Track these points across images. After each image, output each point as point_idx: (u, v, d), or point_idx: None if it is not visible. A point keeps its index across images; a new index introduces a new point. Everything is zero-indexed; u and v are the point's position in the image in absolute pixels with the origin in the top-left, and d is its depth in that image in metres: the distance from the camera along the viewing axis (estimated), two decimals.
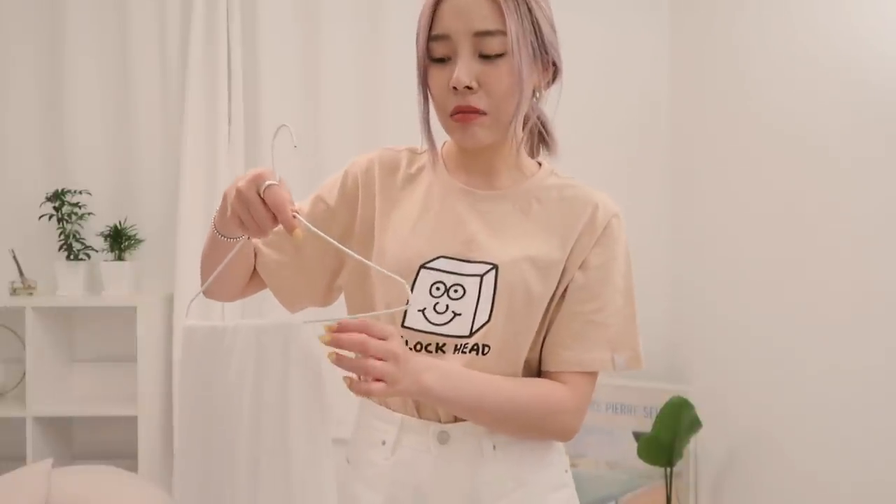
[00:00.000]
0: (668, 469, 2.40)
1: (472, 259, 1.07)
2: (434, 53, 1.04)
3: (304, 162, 2.66)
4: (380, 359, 0.92)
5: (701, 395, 2.47)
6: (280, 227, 0.90)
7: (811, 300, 1.99)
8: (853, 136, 1.83)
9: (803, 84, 2.03)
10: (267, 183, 0.88)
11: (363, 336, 0.90)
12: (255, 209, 0.89)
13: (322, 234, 0.92)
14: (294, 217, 0.88)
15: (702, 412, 2.34)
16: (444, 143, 1.16)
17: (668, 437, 2.33)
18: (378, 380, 0.92)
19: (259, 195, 0.89)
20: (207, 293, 1.13)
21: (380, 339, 0.92)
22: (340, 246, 0.94)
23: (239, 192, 0.90)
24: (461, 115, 1.03)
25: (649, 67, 2.81)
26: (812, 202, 1.99)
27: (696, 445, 2.53)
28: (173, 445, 2.63)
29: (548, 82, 1.10)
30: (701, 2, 2.64)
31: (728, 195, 2.42)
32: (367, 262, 0.97)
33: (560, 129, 1.17)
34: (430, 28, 1.03)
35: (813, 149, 1.98)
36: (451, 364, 1.02)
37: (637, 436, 2.44)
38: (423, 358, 1.00)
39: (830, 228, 1.91)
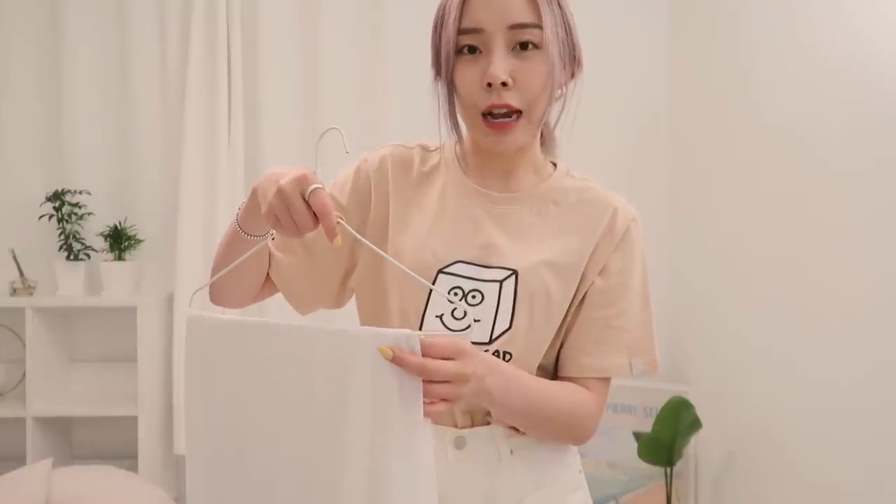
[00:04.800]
0: (668, 469, 2.40)
1: (491, 264, 1.04)
2: (462, 48, 1.01)
3: (304, 162, 2.67)
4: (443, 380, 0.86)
5: (701, 395, 2.47)
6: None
7: (811, 300, 1.99)
8: (854, 136, 1.83)
9: (804, 83, 2.03)
10: (313, 186, 0.86)
11: (422, 362, 0.83)
12: (297, 211, 0.87)
13: (364, 240, 0.90)
14: (338, 224, 0.86)
15: (702, 412, 2.34)
16: (455, 142, 1.12)
17: (668, 437, 2.33)
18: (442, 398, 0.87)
19: (303, 197, 0.87)
20: (216, 299, 1.10)
21: (444, 358, 0.86)
22: (380, 251, 0.91)
23: (281, 192, 0.87)
24: (496, 125, 1.00)
25: (649, 66, 2.81)
26: (812, 202, 1.99)
27: (696, 445, 2.53)
28: (173, 445, 2.63)
29: (569, 77, 1.08)
30: (701, 1, 2.64)
31: (728, 195, 2.42)
32: (410, 272, 0.91)
33: (559, 127, 1.15)
34: (460, 21, 1.00)
35: (813, 149, 1.98)
36: (507, 366, 0.98)
37: (637, 436, 2.44)
38: (484, 359, 0.93)
39: (831, 229, 1.91)
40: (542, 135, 1.14)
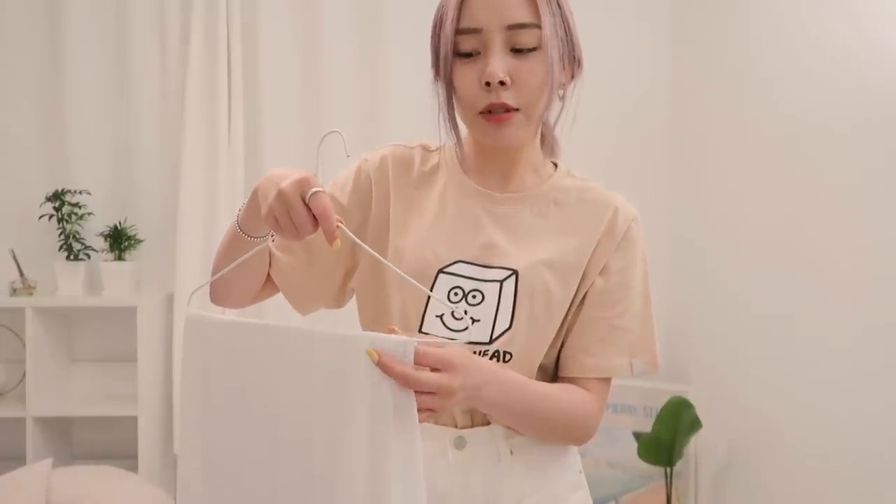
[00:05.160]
0: (668, 469, 2.40)
1: (491, 264, 1.04)
2: (462, 48, 1.01)
3: (304, 162, 2.67)
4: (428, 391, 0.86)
5: (701, 395, 2.47)
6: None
7: (812, 300, 1.99)
8: (857, 134, 1.83)
9: (805, 80, 2.02)
10: (314, 190, 0.86)
11: (405, 371, 0.83)
12: (296, 213, 0.87)
13: (363, 244, 0.90)
14: (337, 227, 0.86)
15: (702, 412, 2.33)
16: (455, 142, 1.12)
17: (668, 437, 2.33)
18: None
19: (303, 200, 0.87)
20: (216, 300, 1.10)
21: (433, 369, 0.86)
22: (379, 257, 0.91)
23: (281, 194, 0.87)
24: (493, 116, 1.01)
25: (650, 64, 2.81)
26: (813, 199, 1.99)
27: (696, 445, 2.53)
28: (173, 445, 2.63)
29: (569, 78, 1.08)
30: None
31: (728, 194, 2.42)
32: (406, 276, 0.91)
33: (559, 127, 1.15)
34: (458, 21, 1.00)
35: (815, 147, 1.98)
36: (508, 373, 0.99)
37: (637, 436, 2.44)
38: (484, 368, 0.94)
39: (832, 226, 1.91)
40: (542, 136, 1.14)
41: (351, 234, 0.90)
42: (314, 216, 0.87)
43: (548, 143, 1.15)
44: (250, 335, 0.91)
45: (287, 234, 0.89)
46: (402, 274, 0.91)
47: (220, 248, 1.07)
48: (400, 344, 0.83)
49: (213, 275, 1.06)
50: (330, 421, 0.85)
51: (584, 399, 1.05)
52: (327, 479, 0.85)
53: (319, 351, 0.86)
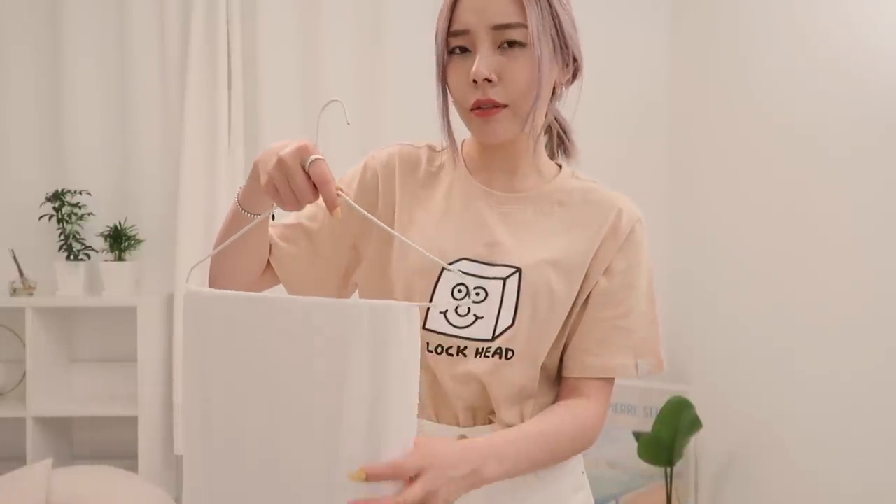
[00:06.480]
0: (669, 469, 2.40)
1: (494, 262, 1.05)
2: (453, 49, 1.03)
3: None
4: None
5: (701, 395, 2.47)
6: (304, 210, 0.89)
7: (812, 299, 1.99)
8: (853, 133, 1.83)
9: (803, 78, 2.03)
10: (313, 157, 0.86)
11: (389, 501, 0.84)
12: (296, 181, 0.87)
13: (364, 211, 0.90)
14: (337, 195, 0.86)
15: (702, 412, 2.34)
16: (462, 142, 1.14)
17: (668, 437, 2.33)
18: None
19: (303, 168, 0.87)
20: (214, 283, 1.10)
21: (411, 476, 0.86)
22: (382, 224, 0.91)
23: (281, 162, 0.87)
24: (481, 111, 1.02)
25: (648, 62, 2.81)
26: (812, 200, 1.99)
27: (696, 445, 2.53)
28: (173, 445, 2.63)
29: (568, 80, 1.09)
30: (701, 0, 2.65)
31: (728, 193, 2.42)
32: (410, 242, 0.92)
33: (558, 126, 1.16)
34: (450, 24, 1.02)
35: (813, 146, 1.98)
36: (502, 438, 0.98)
37: (637, 436, 2.44)
38: (472, 449, 0.93)
39: (831, 226, 1.91)
40: (560, 139, 1.16)
41: (351, 201, 0.89)
42: (314, 184, 0.87)
43: (564, 145, 1.16)
44: (249, 307, 0.91)
45: (287, 203, 0.89)
46: (411, 242, 0.92)
47: (221, 228, 1.06)
48: (401, 309, 0.84)
49: (212, 258, 1.06)
50: (330, 388, 0.86)
51: (585, 410, 1.05)
52: (328, 447, 0.86)
53: (319, 319, 0.87)
